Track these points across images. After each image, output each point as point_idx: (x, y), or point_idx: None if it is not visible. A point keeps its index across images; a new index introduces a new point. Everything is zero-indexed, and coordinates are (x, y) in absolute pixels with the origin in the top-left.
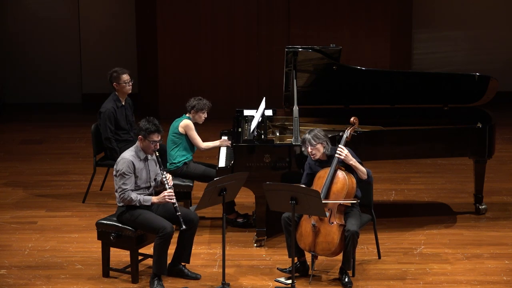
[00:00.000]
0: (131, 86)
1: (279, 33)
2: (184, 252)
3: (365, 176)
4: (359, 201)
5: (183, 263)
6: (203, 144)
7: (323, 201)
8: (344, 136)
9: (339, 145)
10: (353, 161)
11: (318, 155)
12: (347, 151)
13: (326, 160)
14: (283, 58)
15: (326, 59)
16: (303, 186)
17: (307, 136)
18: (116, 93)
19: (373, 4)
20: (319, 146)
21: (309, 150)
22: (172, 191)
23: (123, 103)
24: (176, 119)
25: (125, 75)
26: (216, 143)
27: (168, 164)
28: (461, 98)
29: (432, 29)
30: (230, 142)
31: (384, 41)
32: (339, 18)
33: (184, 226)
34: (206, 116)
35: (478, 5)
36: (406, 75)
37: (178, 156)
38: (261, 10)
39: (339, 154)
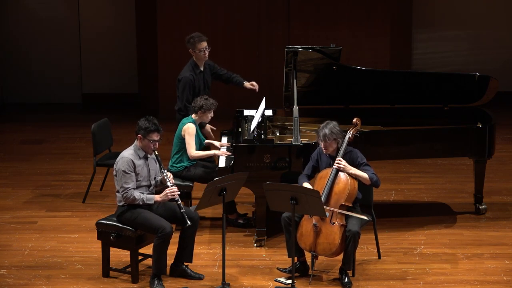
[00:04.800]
0: (207, 54)
1: (279, 33)
2: (185, 251)
3: (368, 182)
4: (370, 219)
5: (186, 263)
6: (194, 152)
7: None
8: (347, 137)
9: (337, 158)
10: (352, 170)
11: (330, 150)
12: (344, 162)
13: (334, 156)
14: (283, 58)
15: (326, 59)
16: (304, 186)
17: (325, 131)
18: (194, 59)
19: (373, 4)
20: (333, 142)
21: (323, 145)
22: (174, 188)
23: (202, 69)
24: (182, 121)
25: (202, 43)
26: (209, 153)
27: (169, 165)
28: (461, 98)
29: (432, 29)
30: (227, 153)
31: (384, 41)
32: (339, 18)
33: (189, 222)
34: (212, 115)
35: (478, 5)
36: (406, 75)
37: (181, 161)
38: (261, 10)
39: (338, 166)
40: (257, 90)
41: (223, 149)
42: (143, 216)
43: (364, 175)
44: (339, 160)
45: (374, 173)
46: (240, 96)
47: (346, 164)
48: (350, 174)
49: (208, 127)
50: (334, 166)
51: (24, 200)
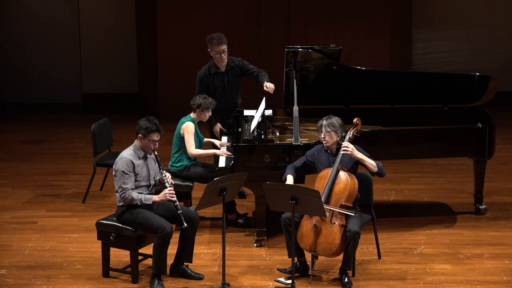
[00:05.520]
0: (223, 57)
1: (279, 33)
2: (185, 251)
3: (375, 169)
4: (356, 214)
5: (186, 263)
6: (194, 150)
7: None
8: (347, 137)
9: (343, 143)
10: (360, 155)
11: (330, 142)
12: (352, 146)
13: (335, 154)
14: (283, 58)
15: (326, 59)
16: (303, 185)
17: (324, 122)
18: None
19: (373, 4)
20: (332, 134)
21: (322, 136)
22: (173, 189)
23: (223, 70)
24: (181, 119)
25: (219, 46)
26: (209, 152)
27: (169, 165)
28: (461, 98)
29: (432, 29)
30: (227, 153)
31: (384, 41)
32: (339, 18)
33: (185, 224)
34: (210, 114)
35: (478, 5)
36: (406, 75)
37: (180, 160)
38: (261, 10)
39: (345, 150)
40: (271, 92)
41: (223, 149)
42: (143, 216)
43: (371, 161)
44: (347, 144)
45: (379, 162)
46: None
47: (354, 149)
48: (358, 159)
49: (218, 126)
50: (341, 151)
51: (24, 200)
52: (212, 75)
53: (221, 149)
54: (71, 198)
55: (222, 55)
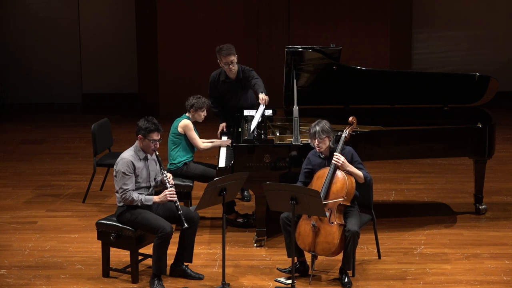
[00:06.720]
0: (231, 68)
1: (279, 33)
2: (185, 251)
3: (362, 180)
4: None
5: (186, 263)
6: (202, 144)
7: (323, 202)
8: (343, 136)
9: (335, 153)
10: (349, 167)
11: (324, 147)
12: (343, 158)
13: (328, 157)
14: (283, 58)
15: (326, 59)
16: (303, 186)
17: (317, 128)
18: None
19: (373, 4)
20: (326, 139)
21: (316, 143)
22: (173, 189)
23: (231, 80)
24: (176, 119)
25: (227, 57)
26: (216, 143)
27: (168, 164)
28: (461, 98)
29: (432, 29)
30: (230, 141)
31: (384, 41)
32: (339, 18)
33: (186, 225)
34: (205, 114)
35: (478, 5)
36: (406, 75)
37: (178, 156)
38: (261, 10)
39: (336, 161)
40: (264, 104)
41: (223, 138)
42: (143, 216)
43: (360, 173)
44: (338, 156)
45: (368, 173)
46: None
47: (345, 161)
48: (347, 172)
49: (222, 126)
50: (333, 162)
51: (24, 200)
52: (220, 82)
53: (221, 138)
54: (71, 198)
55: (231, 66)
